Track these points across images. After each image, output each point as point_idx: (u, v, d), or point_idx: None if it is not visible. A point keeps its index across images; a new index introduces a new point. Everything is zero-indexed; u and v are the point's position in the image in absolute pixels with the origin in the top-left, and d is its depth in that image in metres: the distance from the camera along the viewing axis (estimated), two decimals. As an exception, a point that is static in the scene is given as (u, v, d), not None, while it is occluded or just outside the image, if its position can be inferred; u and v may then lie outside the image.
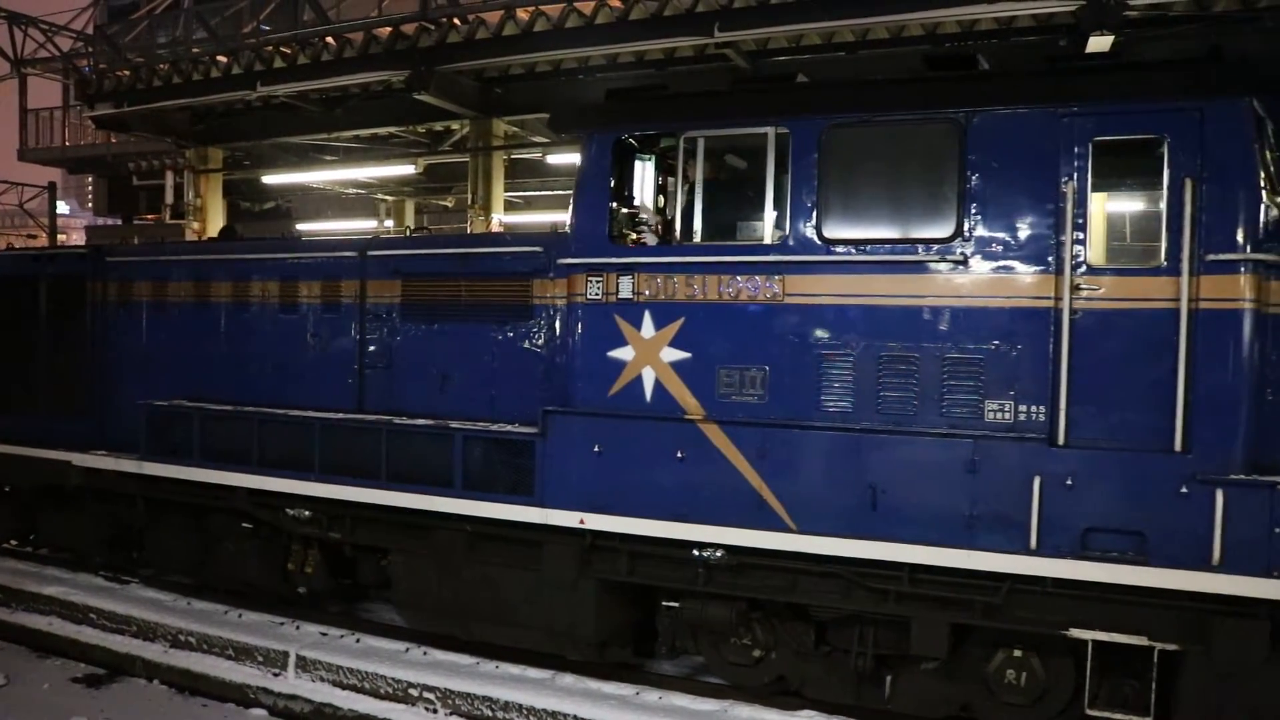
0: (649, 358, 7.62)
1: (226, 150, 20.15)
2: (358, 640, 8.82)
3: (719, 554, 7.42)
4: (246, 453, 9.11)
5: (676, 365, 7.54)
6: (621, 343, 7.70)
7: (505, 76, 14.95)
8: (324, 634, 9.00)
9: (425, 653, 8.51)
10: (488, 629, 8.46)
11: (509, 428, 8.10)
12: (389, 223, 25.25)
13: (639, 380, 7.64)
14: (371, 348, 9.14)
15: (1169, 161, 6.58)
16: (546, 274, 8.27)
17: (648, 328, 7.63)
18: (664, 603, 8.05)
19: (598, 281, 7.79)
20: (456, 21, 13.71)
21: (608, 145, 7.88)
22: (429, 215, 26.12)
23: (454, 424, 8.29)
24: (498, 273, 8.59)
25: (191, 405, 9.59)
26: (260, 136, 18.70)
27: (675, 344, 7.55)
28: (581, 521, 7.73)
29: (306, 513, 9.01)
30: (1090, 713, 6.82)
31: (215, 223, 19.93)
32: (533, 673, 8.05)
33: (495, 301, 8.55)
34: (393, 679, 8.12)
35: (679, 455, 7.46)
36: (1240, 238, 6.44)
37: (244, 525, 9.62)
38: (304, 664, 8.50)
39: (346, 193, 23.61)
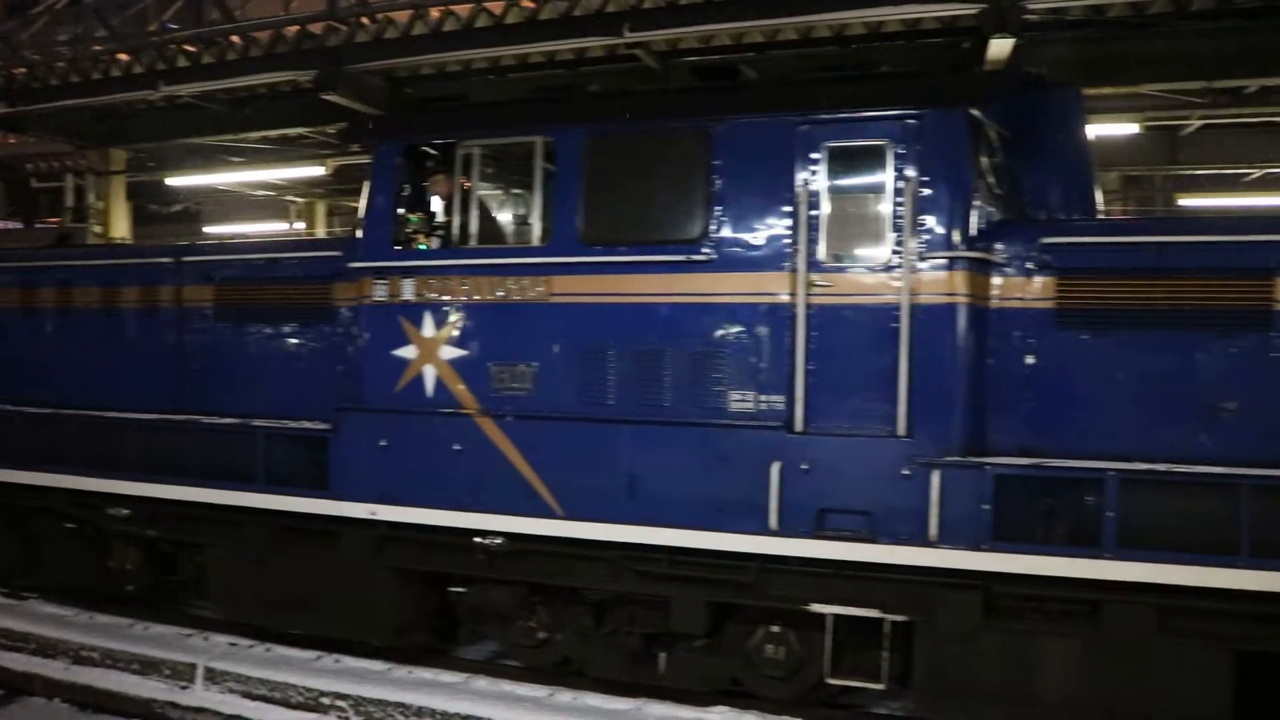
0: (430, 356, 8.02)
1: (130, 151, 20.14)
2: (268, 650, 8.83)
3: (499, 541, 7.84)
4: (67, 453, 9.45)
5: (455, 363, 7.95)
6: (405, 342, 8.10)
7: (416, 76, 15.05)
8: (233, 644, 8.96)
9: (337, 660, 8.58)
10: (297, 619, 8.83)
11: (307, 425, 8.48)
12: (300, 225, 25.39)
13: (421, 377, 8.04)
14: (188, 350, 9.48)
15: (893, 166, 7.05)
16: (345, 277, 8.64)
17: (428, 327, 8.03)
18: (451, 589, 8.45)
19: (383, 284, 8.18)
20: (365, 20, 13.65)
21: (392, 154, 8.27)
22: (340, 217, 26.28)
23: (256, 422, 8.66)
24: (302, 276, 8.96)
25: (13, 408, 9.91)
26: (164, 137, 18.64)
27: (453, 342, 7.95)
28: (373, 513, 8.12)
29: (125, 511, 9.35)
30: (830, 681, 7.31)
31: (119, 226, 19.98)
32: (446, 677, 8.21)
33: (301, 304, 8.92)
34: (304, 688, 8.10)
35: (458, 448, 7.87)
36: (955, 237, 6.92)
37: (67, 526, 9.93)
38: (213, 676, 8.43)
39: (256, 195, 23.72)
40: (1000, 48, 13.73)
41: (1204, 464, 6.61)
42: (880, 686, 7.22)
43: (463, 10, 12.90)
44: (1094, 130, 17.75)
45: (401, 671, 8.38)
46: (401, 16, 13.44)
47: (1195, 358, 6.82)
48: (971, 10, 11.44)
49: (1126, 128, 17.74)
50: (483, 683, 8.18)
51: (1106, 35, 14.55)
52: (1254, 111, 16.90)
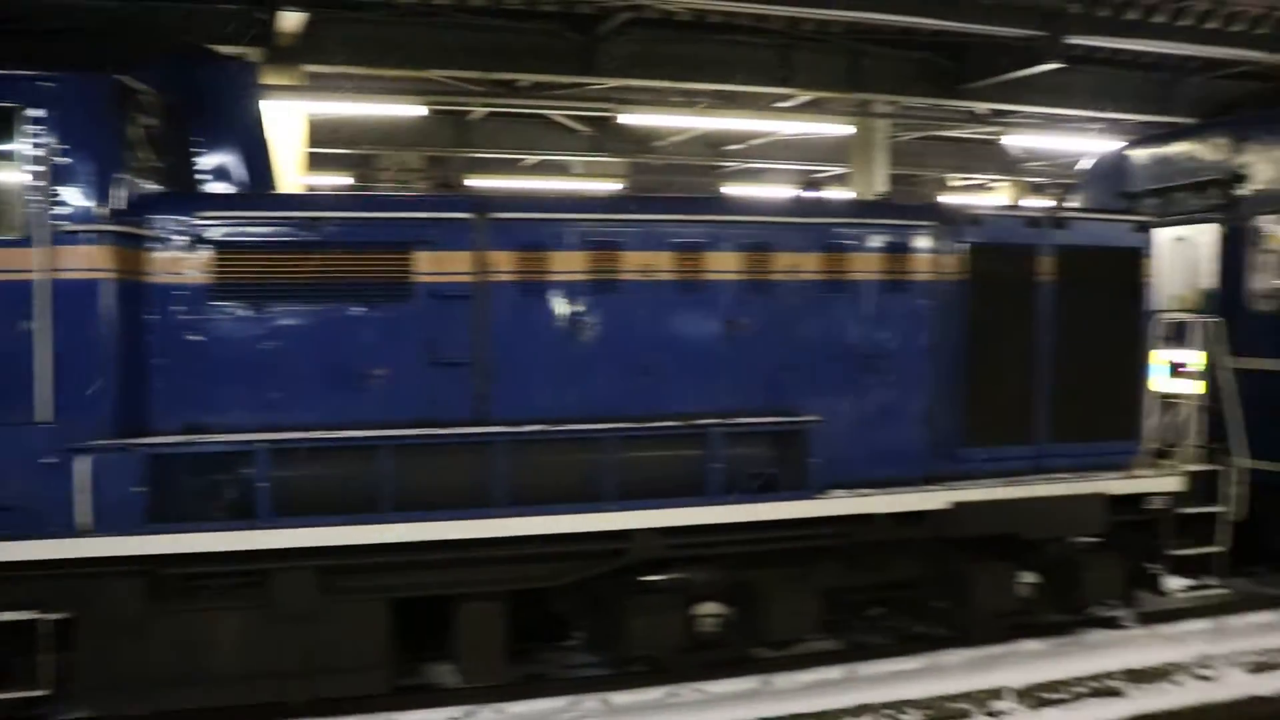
0: None
1: None
2: None
3: None
4: None
5: None
6: None
7: None
8: None
9: None
10: None
11: None
12: None
13: None
14: None
15: (30, 132, 6.52)
16: None
17: None
18: None
19: None
20: None
21: None
22: None
23: None
24: None
25: None
26: None
27: None
28: None
29: None
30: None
31: None
32: None
33: None
34: None
35: None
36: (100, 210, 6.57)
37: None
38: None
39: None
40: (290, 20, 13.78)
41: (363, 428, 6.96)
42: (43, 692, 6.74)
43: None
44: (388, 109, 18.57)
45: None
46: None
47: (349, 329, 7.15)
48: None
49: (416, 109, 18.72)
50: None
51: (394, 19, 15.21)
52: (527, 104, 18.61)
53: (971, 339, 8.15)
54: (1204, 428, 9.25)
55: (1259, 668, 8.22)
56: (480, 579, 7.17)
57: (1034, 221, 8.48)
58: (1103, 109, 18.52)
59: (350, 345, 7.13)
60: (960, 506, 7.92)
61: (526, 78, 17.13)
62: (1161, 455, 9.06)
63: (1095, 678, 7.85)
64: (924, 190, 26.89)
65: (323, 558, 6.81)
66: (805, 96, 18.17)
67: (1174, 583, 9.07)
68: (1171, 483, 8.74)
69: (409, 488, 6.89)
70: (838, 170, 23.15)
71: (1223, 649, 8.49)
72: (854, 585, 8.20)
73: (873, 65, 17.45)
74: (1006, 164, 25.24)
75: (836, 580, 8.02)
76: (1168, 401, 9.29)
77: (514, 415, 7.21)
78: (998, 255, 8.24)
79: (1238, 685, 7.91)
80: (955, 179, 27.79)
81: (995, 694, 7.47)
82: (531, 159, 21.91)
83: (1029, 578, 8.55)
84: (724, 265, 7.64)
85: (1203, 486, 9.04)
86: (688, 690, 7.52)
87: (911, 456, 8.07)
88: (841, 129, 19.63)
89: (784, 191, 22.03)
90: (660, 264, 7.51)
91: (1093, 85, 18.14)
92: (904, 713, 7.23)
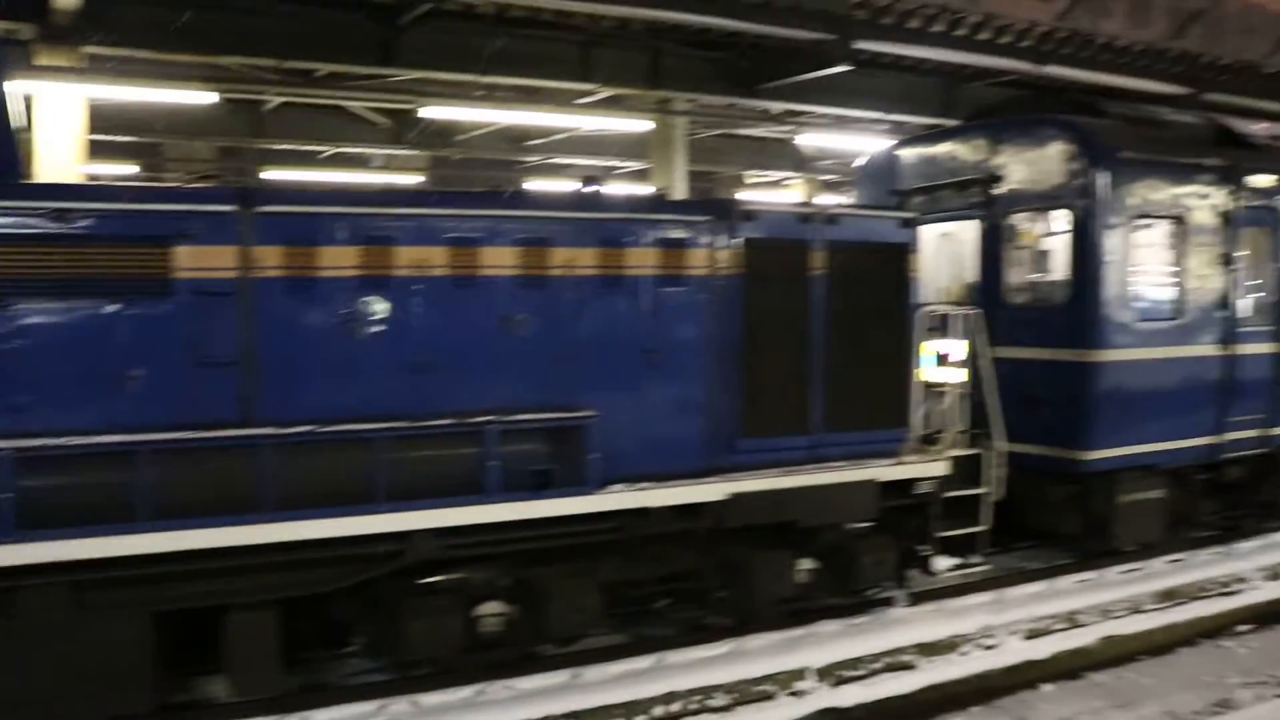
0: None
1: None
2: None
3: None
4: None
5: None
6: None
7: None
8: None
9: None
10: None
11: None
12: None
13: None
14: None
15: None
16: None
17: None
18: None
19: None
20: None
21: None
22: None
23: None
24: None
25: None
26: None
27: None
28: None
29: None
30: None
31: None
32: None
33: None
34: None
35: None
36: None
37: None
38: None
39: None
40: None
41: (121, 433, 6.60)
42: None
43: None
44: (176, 96, 17.77)
45: None
46: None
47: (104, 327, 6.75)
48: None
49: (207, 97, 17.91)
50: None
51: (187, 4, 14.54)
52: (324, 94, 18.10)
53: (747, 332, 8.35)
54: (967, 414, 9.72)
55: (1033, 634, 8.92)
56: (249, 587, 6.92)
57: (806, 217, 8.73)
58: (889, 111, 19.34)
59: (106, 345, 6.73)
60: (737, 497, 8.12)
61: (323, 67, 16.67)
62: (928, 441, 9.49)
63: (889, 653, 8.29)
64: (722, 186, 27.50)
65: (77, 571, 6.44)
66: (606, 93, 18.30)
67: (942, 562, 9.50)
68: (938, 467, 9.19)
69: (172, 494, 6.59)
70: (638, 166, 23.40)
71: (1002, 619, 9.13)
72: (637, 579, 8.30)
73: (672, 64, 17.73)
74: (800, 162, 26.09)
75: (619, 575, 8.10)
76: (934, 390, 9.73)
77: (284, 416, 6.97)
78: (772, 250, 8.46)
79: (1016, 652, 8.59)
80: (752, 176, 28.53)
81: (798, 675, 7.76)
82: (329, 151, 21.34)
83: (807, 564, 8.84)
84: (500, 261, 7.59)
85: (966, 470, 9.52)
86: (497, 687, 7.48)
87: (691, 449, 8.20)
88: (641, 125, 19.84)
89: (564, 186, 22.23)
90: (435, 259, 7.40)
91: (880, 88, 18.91)
92: (711, 697, 7.40)
